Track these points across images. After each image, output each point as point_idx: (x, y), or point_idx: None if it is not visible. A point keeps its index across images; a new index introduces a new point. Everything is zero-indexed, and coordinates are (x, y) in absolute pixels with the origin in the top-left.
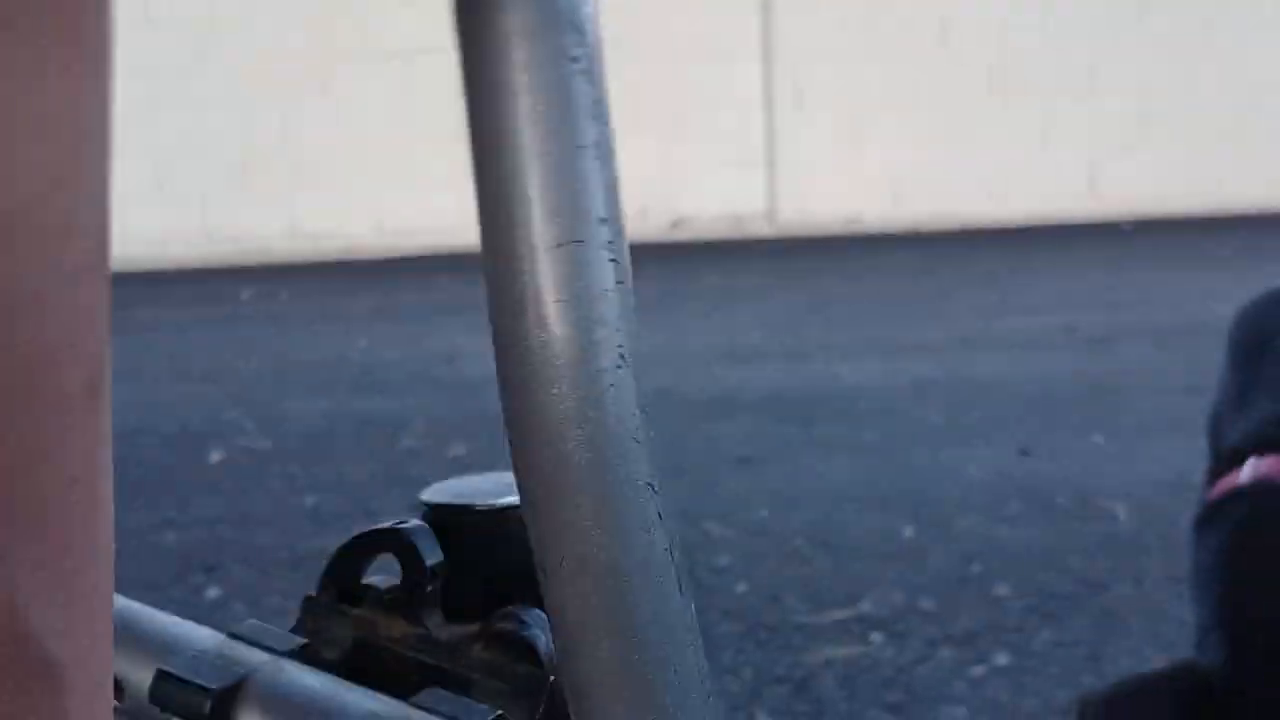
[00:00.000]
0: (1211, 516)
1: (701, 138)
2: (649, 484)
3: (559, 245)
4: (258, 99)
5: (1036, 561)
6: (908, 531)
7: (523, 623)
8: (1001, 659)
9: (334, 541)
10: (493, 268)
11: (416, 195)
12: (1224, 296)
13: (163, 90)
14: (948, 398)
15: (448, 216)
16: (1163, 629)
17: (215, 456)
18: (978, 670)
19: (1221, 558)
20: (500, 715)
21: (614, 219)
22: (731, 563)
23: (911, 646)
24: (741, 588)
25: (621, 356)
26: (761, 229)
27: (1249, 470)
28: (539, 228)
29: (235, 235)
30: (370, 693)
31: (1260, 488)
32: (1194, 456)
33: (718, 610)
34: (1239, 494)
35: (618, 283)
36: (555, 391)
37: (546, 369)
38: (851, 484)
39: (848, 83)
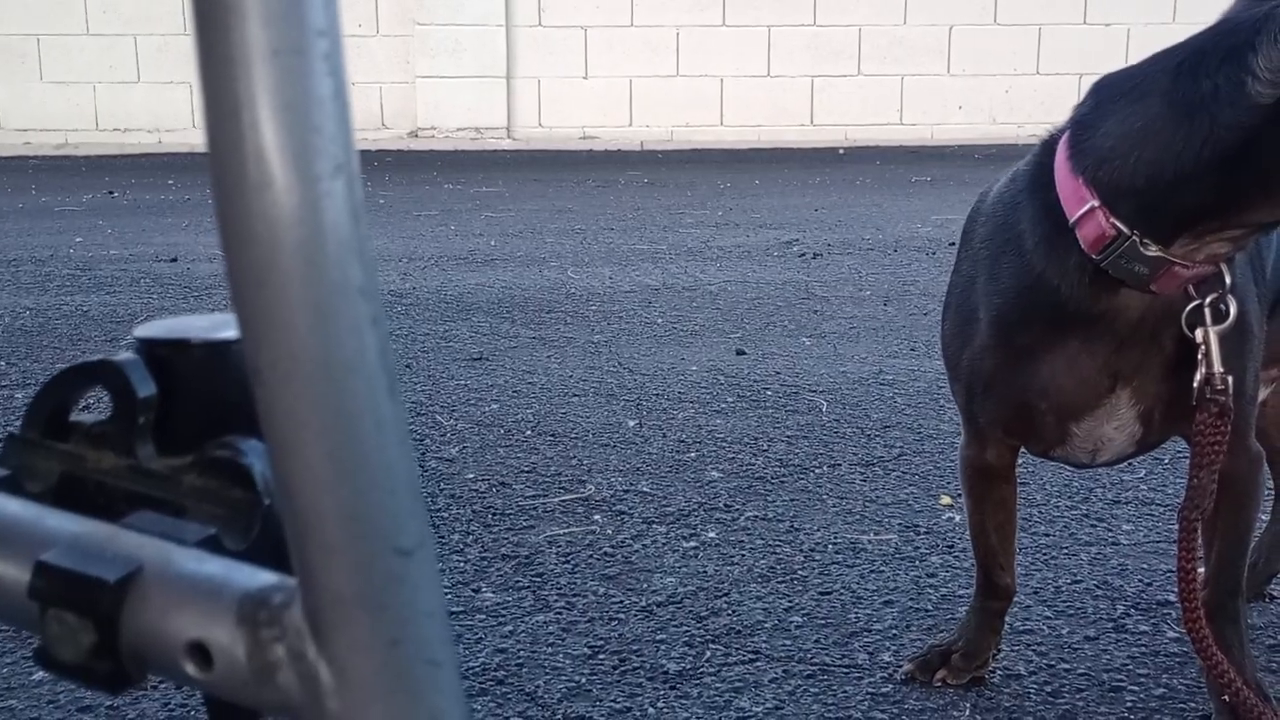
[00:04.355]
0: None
1: (443, 51)
2: (361, 289)
3: (276, 53)
4: None
5: (746, 448)
6: (631, 422)
7: (238, 451)
8: (711, 533)
9: None
10: (209, 74)
11: (138, 90)
12: (922, 219)
13: None
14: (672, 303)
15: (173, 114)
16: (853, 505)
17: None
18: (689, 544)
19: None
20: (213, 534)
21: (332, 32)
22: (461, 452)
23: (630, 525)
24: (470, 474)
25: (337, 166)
26: (501, 142)
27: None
28: (256, 35)
29: None
30: (76, 516)
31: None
32: (888, 358)
33: (446, 496)
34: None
35: (334, 94)
36: (269, 197)
37: (260, 174)
38: (579, 380)
39: (584, 1)
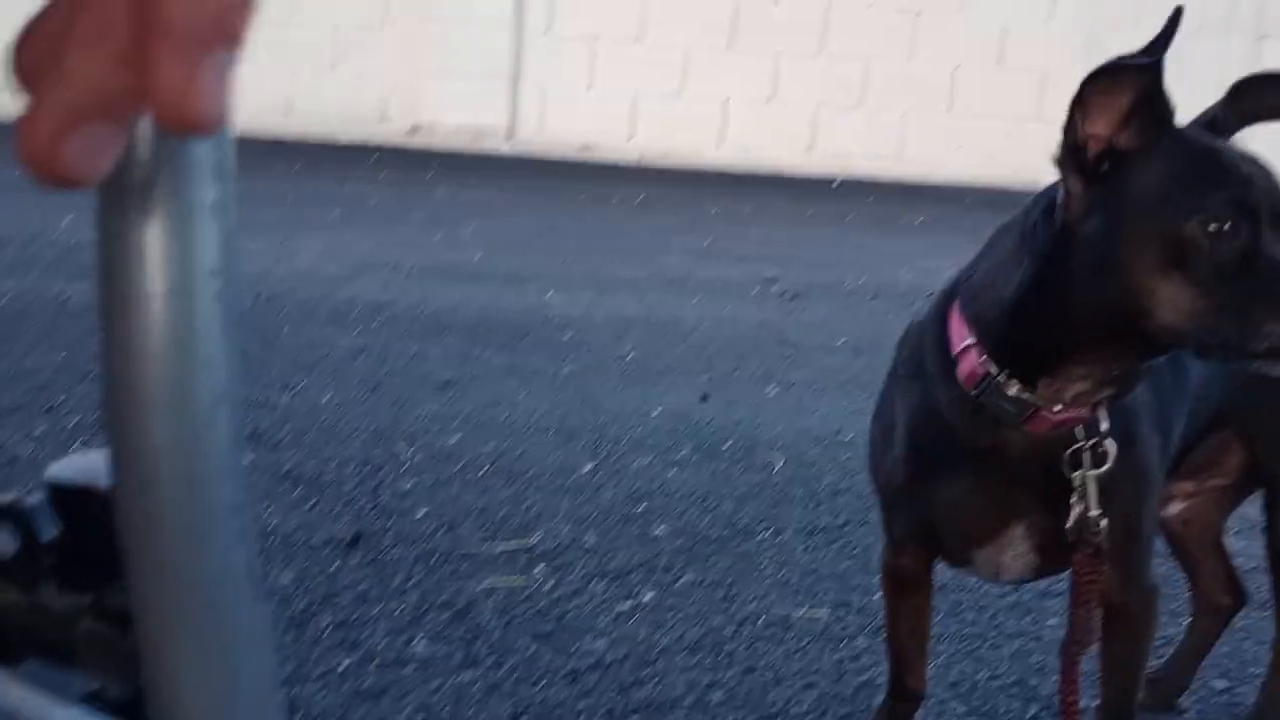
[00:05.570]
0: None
1: (448, 48)
2: (233, 508)
3: (170, 291)
4: None
5: (695, 505)
6: (586, 467)
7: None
8: (648, 596)
9: (6, 436)
10: (107, 306)
11: None
12: (907, 263)
13: None
14: (645, 337)
15: None
16: (790, 575)
17: None
18: (624, 605)
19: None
20: (97, 690)
21: (225, 272)
22: (415, 487)
23: (569, 580)
24: (421, 512)
25: (217, 397)
26: (499, 145)
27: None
28: (153, 274)
29: None
30: None
31: None
32: (851, 415)
33: (394, 534)
34: None
35: (222, 330)
36: (155, 424)
37: (149, 402)
38: (543, 416)
39: (596, 12)
